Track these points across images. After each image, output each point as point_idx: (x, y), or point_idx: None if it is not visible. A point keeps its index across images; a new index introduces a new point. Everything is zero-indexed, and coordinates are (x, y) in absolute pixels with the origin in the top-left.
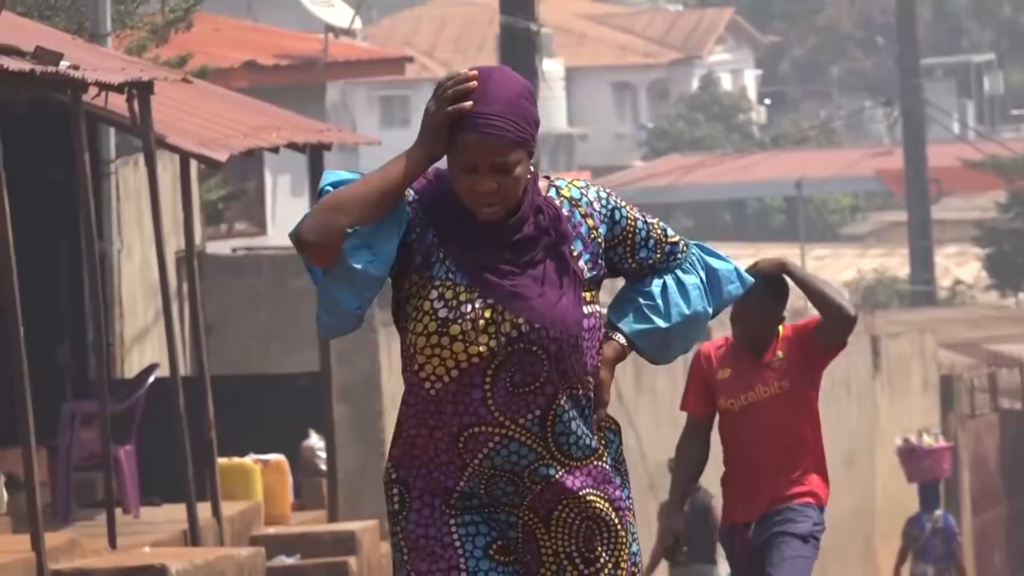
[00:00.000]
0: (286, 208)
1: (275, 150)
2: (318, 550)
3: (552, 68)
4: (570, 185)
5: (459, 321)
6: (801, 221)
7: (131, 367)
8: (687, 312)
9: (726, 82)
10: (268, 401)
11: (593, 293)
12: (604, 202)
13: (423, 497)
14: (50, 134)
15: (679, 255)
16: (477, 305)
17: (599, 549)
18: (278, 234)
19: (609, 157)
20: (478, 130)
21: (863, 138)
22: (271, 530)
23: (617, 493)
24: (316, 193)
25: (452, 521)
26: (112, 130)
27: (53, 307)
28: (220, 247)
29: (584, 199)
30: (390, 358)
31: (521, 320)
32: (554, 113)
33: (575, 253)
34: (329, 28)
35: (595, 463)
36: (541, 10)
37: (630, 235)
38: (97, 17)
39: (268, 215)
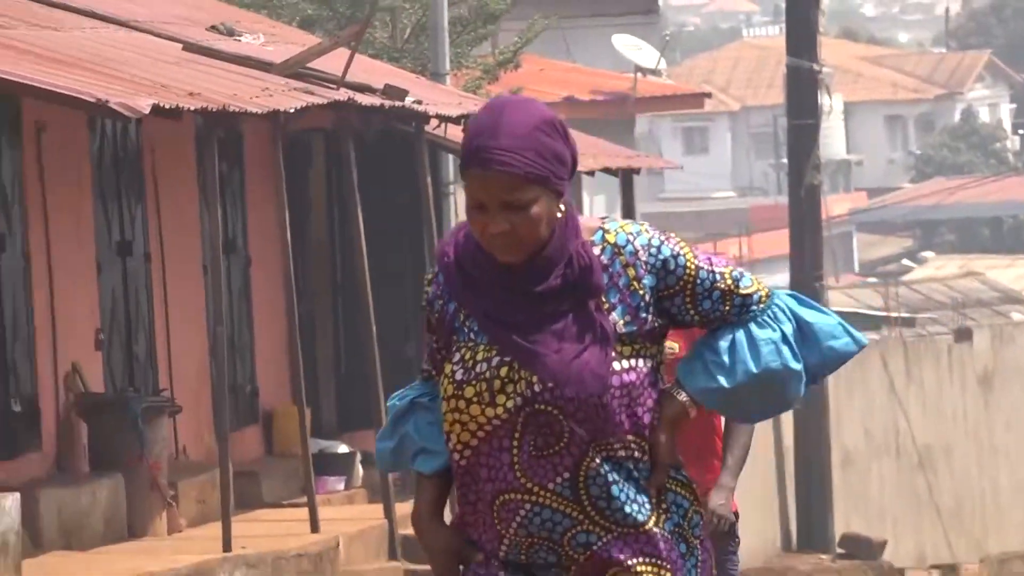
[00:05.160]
0: None
1: (591, 174)
2: None
3: (832, 103)
4: (619, 230)
5: (473, 382)
6: None
7: None
8: (754, 371)
9: (984, 115)
10: None
11: (637, 347)
12: (654, 251)
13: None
14: (397, 161)
15: (753, 307)
16: (494, 363)
17: None
18: None
19: (882, 180)
20: (484, 165)
21: None
22: None
23: (678, 563)
24: (627, 215)
25: (502, 574)
26: (451, 156)
27: (401, 312)
28: None
29: (629, 247)
30: None
31: (535, 378)
32: (834, 142)
33: (607, 306)
34: (638, 68)
35: (651, 530)
36: (823, 52)
37: (689, 285)
38: (438, 59)
39: None
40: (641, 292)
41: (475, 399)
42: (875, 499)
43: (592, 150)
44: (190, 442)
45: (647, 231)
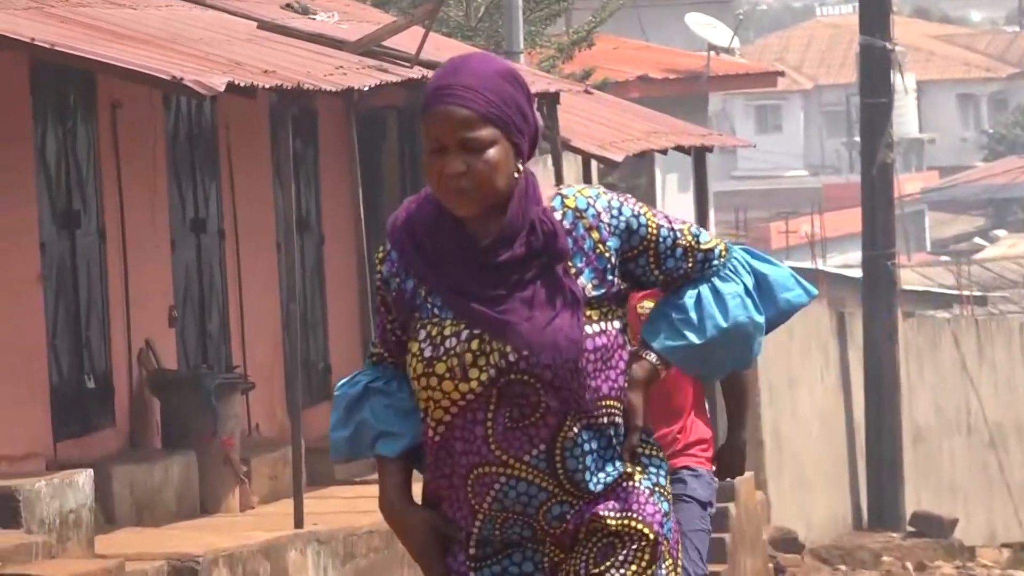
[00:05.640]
0: (674, 202)
1: (664, 152)
2: None
3: (905, 81)
4: (578, 194)
5: (444, 358)
6: None
7: None
8: (724, 325)
9: None
10: None
11: (604, 311)
12: (615, 212)
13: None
14: None
15: (715, 262)
16: (463, 337)
17: (610, 561)
18: None
19: (954, 158)
20: (442, 102)
21: None
22: None
23: (658, 518)
24: (700, 193)
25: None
26: None
27: None
28: None
29: (591, 210)
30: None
31: (509, 348)
32: (907, 120)
33: (573, 270)
34: (711, 47)
35: (624, 484)
36: (896, 31)
37: (652, 244)
38: (511, 37)
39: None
40: (607, 255)
41: (447, 375)
42: (946, 477)
43: (665, 128)
44: (263, 419)
45: (605, 193)
